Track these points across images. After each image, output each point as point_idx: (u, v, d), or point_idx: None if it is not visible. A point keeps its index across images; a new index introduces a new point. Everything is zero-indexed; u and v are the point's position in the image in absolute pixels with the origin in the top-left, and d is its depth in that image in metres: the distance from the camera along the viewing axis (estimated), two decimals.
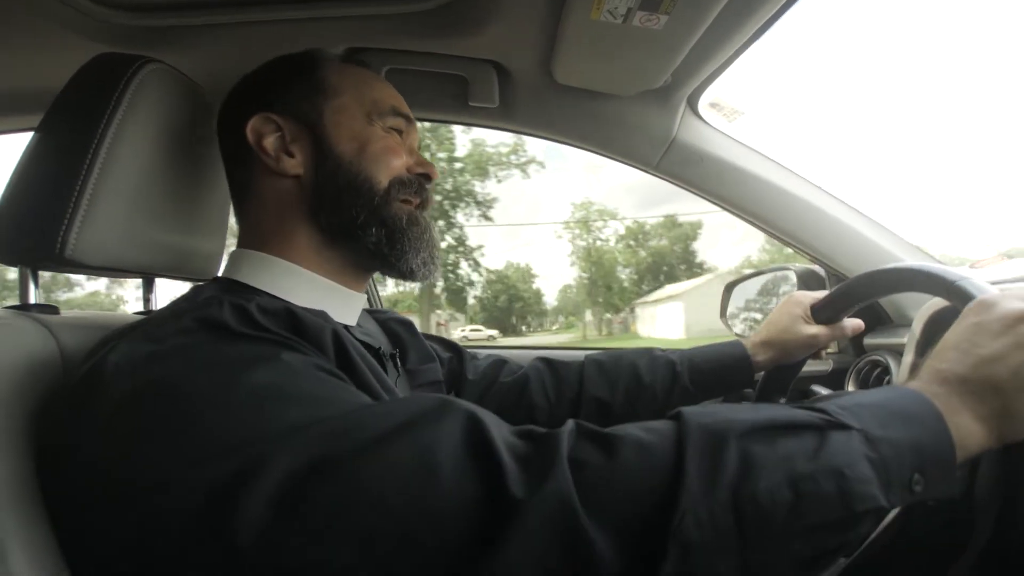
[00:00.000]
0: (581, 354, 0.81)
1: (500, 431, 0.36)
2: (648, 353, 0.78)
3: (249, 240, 0.56)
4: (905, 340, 0.77)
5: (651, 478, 0.34)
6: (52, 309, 0.50)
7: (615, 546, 0.32)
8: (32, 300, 0.51)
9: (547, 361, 0.80)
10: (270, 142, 0.54)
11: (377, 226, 0.55)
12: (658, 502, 0.33)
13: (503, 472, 0.33)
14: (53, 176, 0.49)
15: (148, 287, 0.66)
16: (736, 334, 1.06)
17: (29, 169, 0.50)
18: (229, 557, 0.32)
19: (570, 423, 0.38)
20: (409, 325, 0.72)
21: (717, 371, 0.76)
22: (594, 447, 0.36)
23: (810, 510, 0.34)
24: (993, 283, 0.48)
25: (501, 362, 0.80)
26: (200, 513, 0.33)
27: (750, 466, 0.34)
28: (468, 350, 0.80)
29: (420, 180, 0.58)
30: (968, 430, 0.38)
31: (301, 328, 0.43)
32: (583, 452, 0.35)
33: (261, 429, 0.35)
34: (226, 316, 0.41)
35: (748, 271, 1.12)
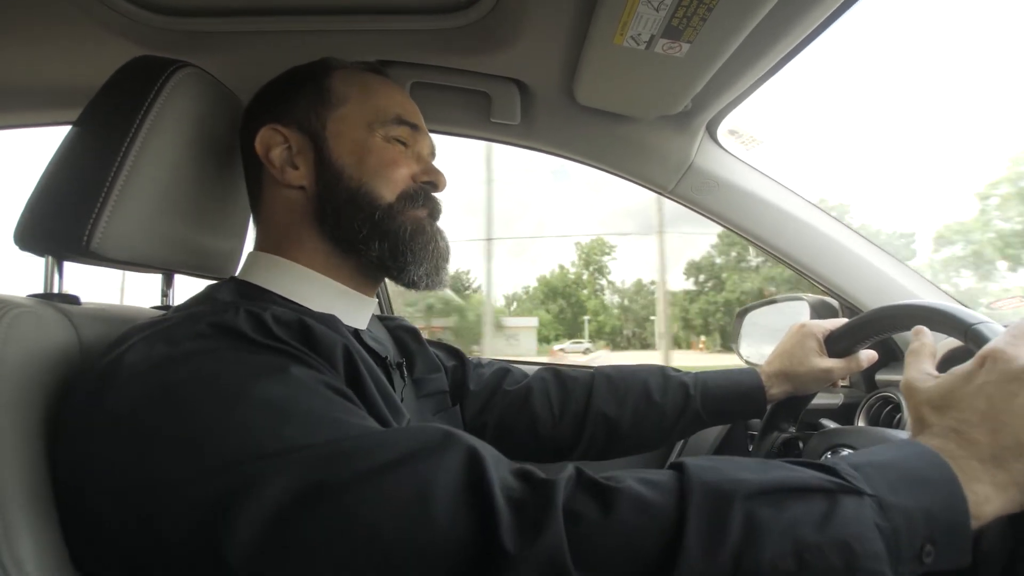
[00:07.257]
0: (591, 368, 0.80)
1: (499, 471, 0.36)
2: (661, 371, 0.76)
3: (264, 243, 0.57)
4: None
5: (649, 539, 0.33)
6: (74, 299, 0.52)
7: None
8: (56, 290, 0.52)
9: (555, 372, 0.78)
10: (277, 154, 0.55)
11: (379, 240, 0.55)
12: (655, 565, 0.32)
13: (497, 519, 0.33)
14: (85, 171, 0.50)
15: (167, 282, 0.68)
16: (747, 362, 1.05)
17: (63, 163, 0.51)
18: (218, 570, 0.33)
19: (569, 468, 0.37)
20: (415, 333, 0.72)
21: (730, 399, 0.74)
22: (591, 500, 0.35)
23: None
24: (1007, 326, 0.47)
25: (504, 370, 0.78)
26: (194, 524, 0.34)
27: (755, 532, 0.33)
28: (472, 358, 0.80)
29: (426, 189, 0.58)
30: (985, 496, 0.36)
31: (313, 341, 0.44)
32: (580, 504, 0.34)
33: (262, 446, 0.35)
34: (241, 323, 0.42)
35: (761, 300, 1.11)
